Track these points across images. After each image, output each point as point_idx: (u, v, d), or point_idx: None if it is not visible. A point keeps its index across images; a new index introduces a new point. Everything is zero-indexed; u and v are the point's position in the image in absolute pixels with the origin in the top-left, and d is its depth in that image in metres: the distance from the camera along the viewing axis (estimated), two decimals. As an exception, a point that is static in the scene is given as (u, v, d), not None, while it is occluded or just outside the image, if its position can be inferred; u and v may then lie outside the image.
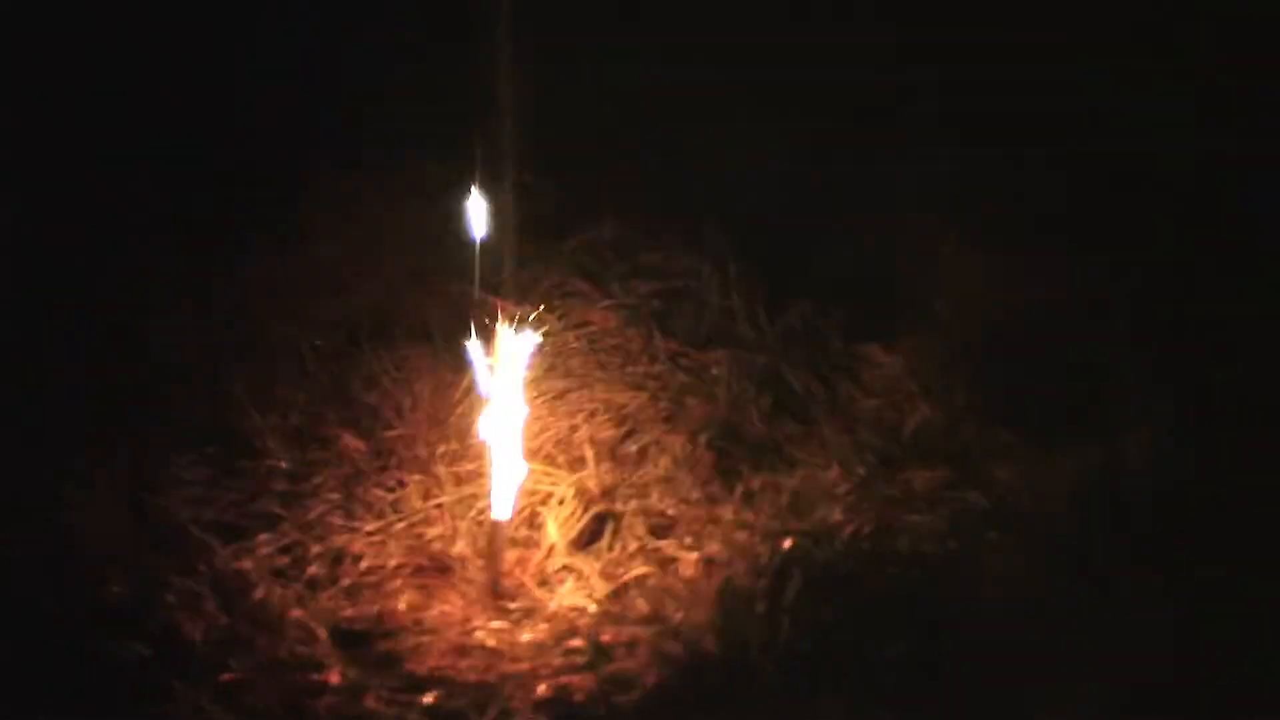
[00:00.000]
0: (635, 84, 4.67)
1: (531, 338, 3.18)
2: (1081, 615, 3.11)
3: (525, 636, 3.12)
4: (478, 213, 3.44)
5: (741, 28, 4.78)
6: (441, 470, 3.53)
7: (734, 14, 4.78)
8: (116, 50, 4.72)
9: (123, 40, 4.73)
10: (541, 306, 3.80)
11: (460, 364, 3.81)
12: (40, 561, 3.25)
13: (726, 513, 3.41)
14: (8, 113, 4.42)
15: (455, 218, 4.24)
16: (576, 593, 3.23)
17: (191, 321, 4.00)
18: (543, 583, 3.28)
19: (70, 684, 2.98)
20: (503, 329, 3.14)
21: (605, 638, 3.08)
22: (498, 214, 3.17)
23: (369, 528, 3.38)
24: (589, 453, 3.57)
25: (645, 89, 4.65)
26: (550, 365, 3.76)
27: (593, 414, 3.69)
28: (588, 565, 3.30)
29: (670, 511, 3.44)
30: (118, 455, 3.53)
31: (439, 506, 3.45)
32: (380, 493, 3.49)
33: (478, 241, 3.23)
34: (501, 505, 3.22)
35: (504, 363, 3.14)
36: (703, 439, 3.63)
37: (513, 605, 3.23)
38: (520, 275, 3.66)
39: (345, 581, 3.26)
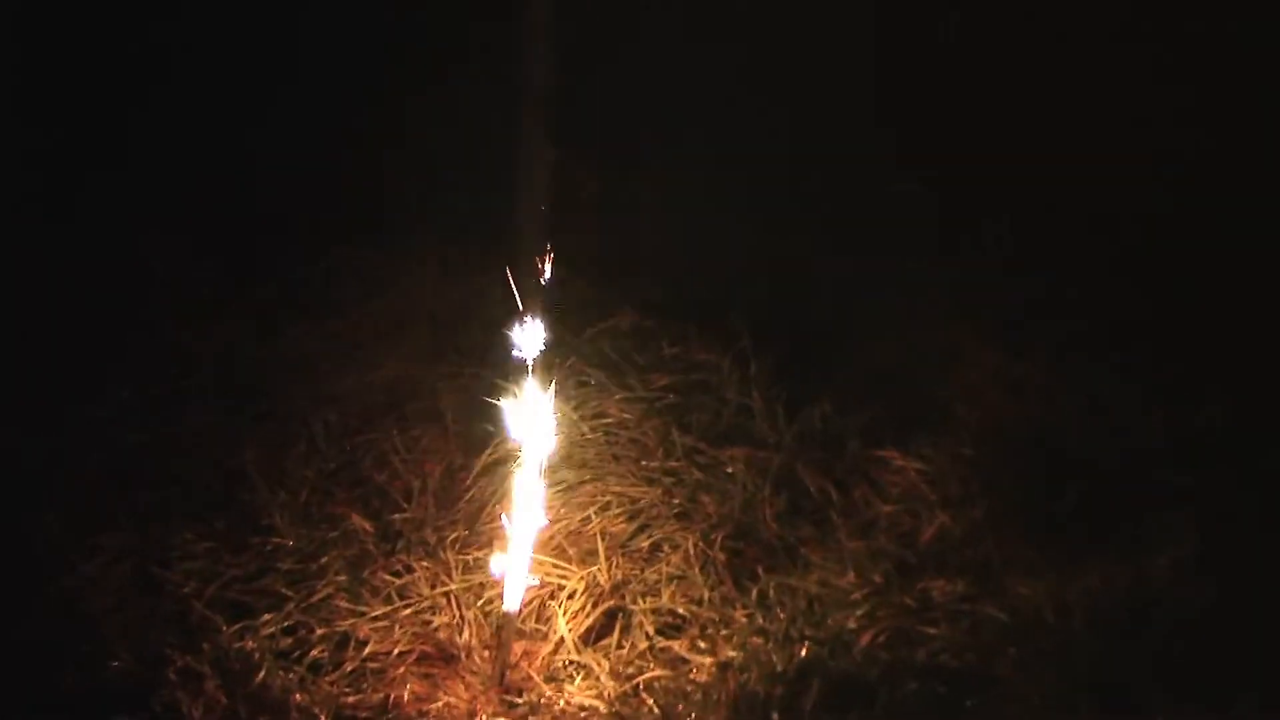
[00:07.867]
0: (658, 178, 4.67)
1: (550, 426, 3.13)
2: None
3: (533, 734, 3.06)
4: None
5: (772, 123, 4.76)
6: (450, 557, 3.47)
7: (763, 109, 4.77)
8: (147, 124, 4.73)
9: (151, 115, 4.74)
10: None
11: (470, 448, 3.79)
12: (41, 632, 3.19)
13: (740, 616, 3.35)
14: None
15: (474, 300, 4.24)
16: (586, 691, 3.16)
17: (206, 392, 3.96)
18: (550, 678, 3.22)
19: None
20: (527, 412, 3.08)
21: (616, 740, 3.02)
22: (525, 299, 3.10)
23: (375, 612, 3.32)
24: (600, 546, 3.50)
25: (668, 183, 4.64)
26: (565, 455, 3.69)
27: (605, 507, 3.63)
28: (597, 662, 3.23)
29: (681, 611, 3.38)
30: (125, 525, 3.47)
31: (446, 594, 3.38)
32: (387, 577, 3.42)
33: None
34: (512, 596, 3.15)
35: (526, 449, 3.09)
36: (716, 538, 3.56)
37: (519, 700, 3.16)
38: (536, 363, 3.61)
39: (349, 667, 3.20)
